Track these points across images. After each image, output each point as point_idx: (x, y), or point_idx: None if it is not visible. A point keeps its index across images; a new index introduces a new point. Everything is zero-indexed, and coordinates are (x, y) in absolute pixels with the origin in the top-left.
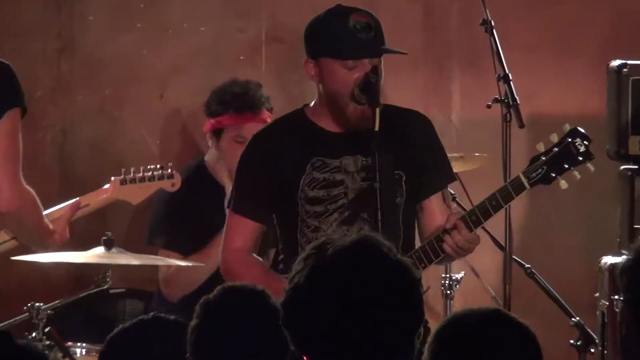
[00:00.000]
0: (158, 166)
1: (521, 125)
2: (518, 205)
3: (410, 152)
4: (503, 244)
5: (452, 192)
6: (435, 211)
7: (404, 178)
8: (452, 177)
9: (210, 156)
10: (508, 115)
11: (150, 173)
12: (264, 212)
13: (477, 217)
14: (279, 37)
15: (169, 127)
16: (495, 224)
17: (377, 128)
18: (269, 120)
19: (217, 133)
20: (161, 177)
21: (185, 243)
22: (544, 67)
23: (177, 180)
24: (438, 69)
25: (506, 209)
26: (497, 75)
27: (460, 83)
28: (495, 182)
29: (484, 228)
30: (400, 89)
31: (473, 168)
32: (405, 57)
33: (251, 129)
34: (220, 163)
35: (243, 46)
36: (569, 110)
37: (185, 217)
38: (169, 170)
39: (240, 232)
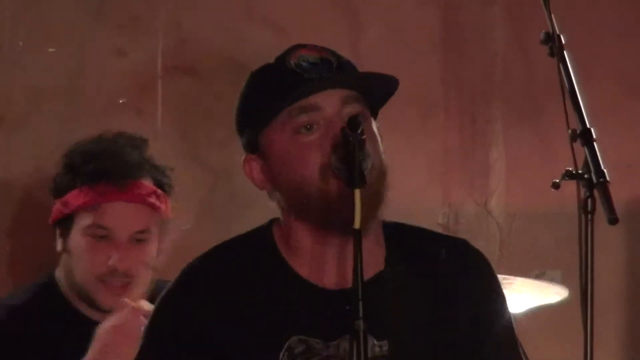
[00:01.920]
0: None
1: (613, 219)
2: None
3: (456, 331)
4: None
5: None
6: None
7: None
8: None
9: (60, 270)
10: (590, 201)
11: None
12: None
13: None
14: (186, 66)
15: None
16: None
17: (357, 225)
18: (155, 201)
19: (64, 224)
20: None
21: None
22: None
23: None
24: (469, 124)
25: None
26: (569, 132)
27: (504, 145)
28: (569, 311)
29: None
30: (404, 157)
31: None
32: (415, 106)
33: (115, 212)
34: (70, 274)
35: (124, 80)
36: None
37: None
38: None
39: None
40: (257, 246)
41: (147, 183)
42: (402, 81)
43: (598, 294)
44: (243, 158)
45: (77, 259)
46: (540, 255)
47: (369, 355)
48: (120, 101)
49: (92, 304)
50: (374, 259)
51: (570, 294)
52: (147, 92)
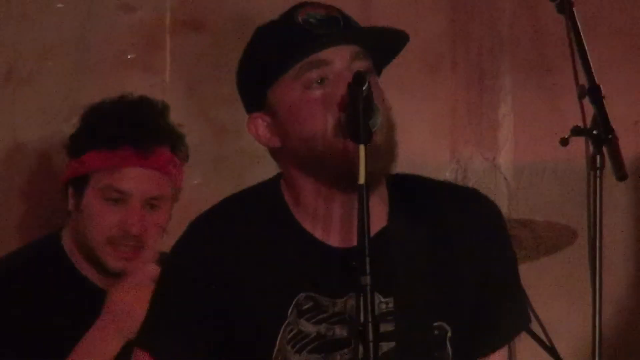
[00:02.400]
0: None
1: (621, 175)
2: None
3: (461, 282)
4: None
5: None
6: None
7: (448, 334)
8: (518, 327)
9: (67, 232)
10: (598, 157)
11: None
12: None
13: None
14: (194, 21)
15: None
16: (578, 351)
17: (362, 180)
18: (172, 170)
19: (78, 184)
20: None
21: None
22: None
23: None
24: (477, 80)
25: (595, 328)
26: (578, 88)
27: (512, 101)
28: (575, 273)
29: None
30: (411, 114)
31: (541, 250)
32: (422, 62)
33: (133, 178)
34: (79, 234)
35: (132, 36)
36: None
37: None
38: None
39: None
40: (266, 200)
41: (166, 151)
42: (410, 38)
43: (606, 249)
44: (248, 118)
45: (89, 219)
46: (549, 211)
47: (376, 312)
48: (129, 57)
49: (99, 265)
50: (377, 216)
51: (578, 250)
52: (155, 47)
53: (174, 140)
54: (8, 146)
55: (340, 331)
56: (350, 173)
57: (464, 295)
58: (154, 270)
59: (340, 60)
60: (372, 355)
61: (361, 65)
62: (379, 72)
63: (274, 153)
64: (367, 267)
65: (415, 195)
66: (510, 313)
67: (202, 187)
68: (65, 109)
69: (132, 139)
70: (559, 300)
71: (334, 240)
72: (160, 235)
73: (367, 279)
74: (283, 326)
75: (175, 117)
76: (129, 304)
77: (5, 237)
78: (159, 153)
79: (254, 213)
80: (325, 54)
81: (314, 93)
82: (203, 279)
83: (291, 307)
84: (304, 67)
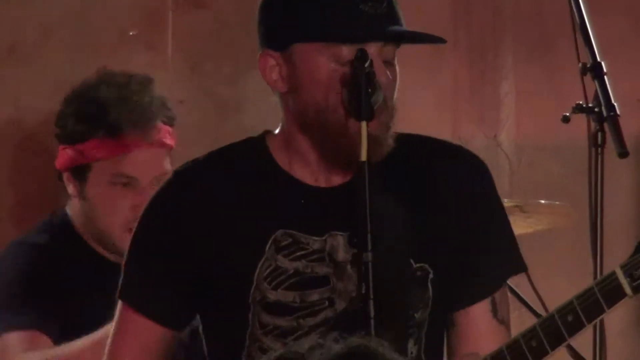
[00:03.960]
0: None
1: (623, 153)
2: None
3: (445, 226)
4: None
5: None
6: (475, 331)
7: (430, 276)
8: (514, 268)
9: (73, 208)
10: (600, 134)
11: None
12: (183, 313)
13: (538, 346)
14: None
15: (7, 151)
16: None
17: (364, 157)
18: (169, 141)
19: (79, 172)
20: None
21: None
22: None
23: None
24: (479, 58)
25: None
26: (580, 65)
27: (514, 78)
28: (576, 252)
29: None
30: (413, 92)
31: (538, 228)
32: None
33: (140, 162)
34: (91, 221)
35: (135, 13)
36: None
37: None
38: None
39: (136, 341)
40: (248, 148)
41: (161, 125)
42: (412, 15)
43: (607, 226)
44: (261, 52)
45: (98, 207)
46: (550, 188)
47: (355, 250)
48: (131, 33)
49: (115, 250)
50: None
51: (579, 226)
52: (157, 24)
53: (163, 109)
54: (11, 121)
55: (319, 269)
56: (350, 150)
57: (448, 241)
58: None
59: (373, 46)
60: (372, 332)
61: (390, 50)
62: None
63: (278, 97)
64: (369, 244)
65: (400, 143)
66: (493, 264)
67: None
68: (68, 85)
69: (134, 122)
70: (560, 277)
71: (314, 180)
72: None
73: (369, 256)
74: (260, 262)
75: (177, 94)
76: None
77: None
78: (157, 129)
79: (235, 158)
80: (368, 46)
81: (338, 68)
82: (177, 223)
83: (269, 243)
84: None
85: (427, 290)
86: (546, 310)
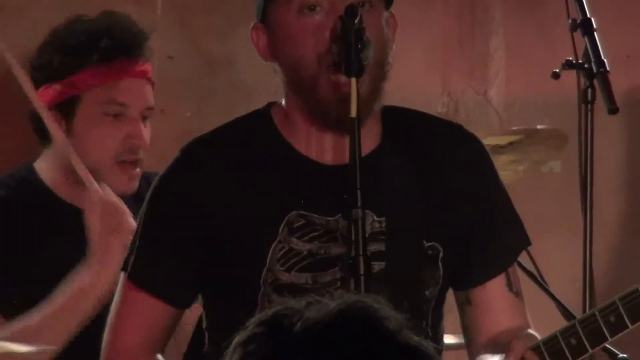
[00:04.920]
0: None
1: (613, 109)
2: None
3: (453, 207)
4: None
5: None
6: (495, 306)
7: (440, 254)
8: (523, 243)
9: (46, 161)
10: (590, 91)
11: None
12: (189, 292)
13: (578, 344)
14: None
15: None
16: (569, 284)
17: (354, 113)
18: (152, 78)
19: (67, 108)
20: None
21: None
22: None
23: None
24: (468, 12)
25: (587, 276)
26: (570, 21)
27: (504, 34)
28: (566, 208)
29: (553, 296)
30: (402, 47)
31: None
32: None
33: (131, 89)
34: (86, 162)
35: None
36: None
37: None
38: None
39: (141, 319)
40: (255, 125)
41: (145, 60)
42: None
43: (597, 183)
44: (252, 24)
45: (88, 140)
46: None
47: (368, 230)
48: None
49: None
50: (370, 136)
51: (569, 182)
52: None
53: (147, 49)
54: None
55: (333, 249)
56: (340, 105)
57: (458, 219)
58: (111, 195)
59: None
60: (362, 289)
61: None
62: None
63: (274, 69)
64: (359, 200)
65: (407, 121)
66: (506, 240)
67: (192, 119)
68: None
69: (125, 49)
70: (549, 233)
71: (326, 158)
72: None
73: (359, 212)
74: (273, 244)
75: (166, 49)
76: (109, 241)
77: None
78: (144, 62)
79: (244, 136)
80: None
81: (306, 19)
82: (188, 201)
83: (282, 225)
84: None
85: (438, 268)
86: (542, 278)
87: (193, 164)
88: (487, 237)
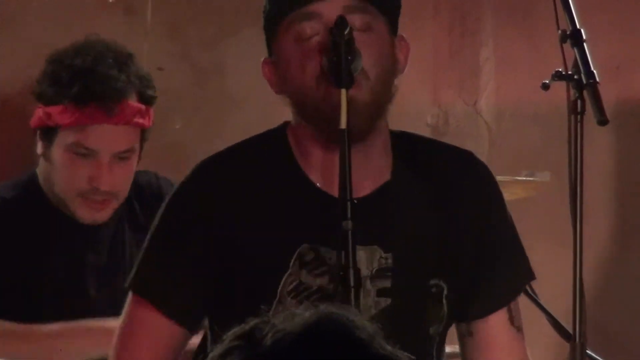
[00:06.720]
0: None
1: (602, 120)
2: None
3: (459, 243)
4: (570, 331)
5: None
6: (497, 340)
7: (445, 292)
8: (527, 277)
9: (40, 167)
10: (579, 102)
11: None
12: (199, 314)
13: None
14: None
15: None
16: (559, 296)
17: (344, 124)
18: (139, 119)
19: (47, 134)
20: None
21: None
22: None
23: None
24: (458, 23)
25: (576, 273)
26: (559, 32)
27: (494, 45)
28: (555, 220)
29: (543, 309)
30: None
31: (518, 197)
32: (404, 6)
33: (100, 135)
34: (51, 184)
35: None
36: None
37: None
38: None
39: (149, 339)
40: (272, 147)
41: (133, 102)
42: None
43: (587, 194)
44: (262, 60)
45: (58, 171)
46: (530, 156)
47: (375, 266)
48: (110, 0)
49: (72, 215)
50: (381, 170)
51: (559, 194)
52: None
53: (140, 86)
54: None
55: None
56: (334, 118)
57: (463, 255)
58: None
59: (331, 13)
60: (353, 301)
61: (355, 19)
62: (394, 25)
63: (284, 99)
64: (349, 212)
65: (417, 153)
66: (510, 274)
67: (183, 131)
68: (47, 50)
69: (98, 96)
70: (539, 244)
71: (336, 190)
72: (131, 179)
73: (349, 224)
74: (284, 277)
75: (156, 60)
76: None
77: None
78: (125, 106)
79: (260, 160)
80: (316, 6)
81: (303, 45)
82: (202, 221)
83: (294, 258)
84: (294, 18)
85: (442, 306)
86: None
87: (206, 186)
88: (491, 272)
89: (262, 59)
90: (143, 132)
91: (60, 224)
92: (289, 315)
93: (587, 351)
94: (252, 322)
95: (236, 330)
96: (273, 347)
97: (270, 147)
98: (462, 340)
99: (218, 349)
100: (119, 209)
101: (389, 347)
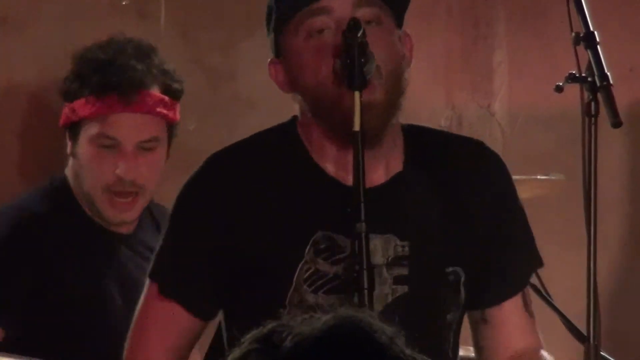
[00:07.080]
0: None
1: (616, 122)
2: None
3: (474, 231)
4: (585, 332)
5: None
6: (512, 325)
7: (462, 279)
8: (537, 263)
9: (69, 168)
10: (593, 104)
11: None
12: (215, 305)
13: None
14: None
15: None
16: (572, 298)
17: (357, 127)
18: (163, 110)
19: (73, 131)
20: None
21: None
22: None
23: None
24: (471, 26)
25: (590, 275)
26: (572, 34)
27: (507, 47)
28: (569, 222)
29: (557, 310)
30: None
31: (533, 195)
32: (417, 9)
33: (122, 124)
34: (79, 182)
35: None
36: None
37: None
38: None
39: (166, 329)
40: (283, 140)
41: (155, 92)
42: None
43: (600, 196)
44: (268, 61)
45: (84, 167)
46: (543, 158)
47: (391, 254)
48: (123, 3)
49: (99, 215)
50: (393, 161)
51: (573, 196)
52: None
53: (164, 78)
54: (3, 91)
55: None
56: (347, 120)
57: (477, 243)
58: None
59: (341, 8)
60: (367, 303)
61: (365, 12)
62: (400, 19)
63: (293, 98)
64: (362, 214)
65: (428, 144)
66: (524, 260)
67: (196, 134)
68: (60, 54)
69: (116, 85)
70: (553, 246)
71: (350, 179)
72: (157, 174)
73: (363, 226)
74: (300, 265)
75: (169, 63)
76: None
77: (4, 178)
78: (145, 96)
79: (272, 151)
80: (326, 1)
81: (315, 42)
82: (217, 213)
83: (309, 246)
84: (305, 15)
85: (460, 293)
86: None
87: (218, 178)
88: (506, 258)
89: (269, 60)
90: (170, 127)
91: (90, 230)
92: (307, 319)
93: (601, 353)
94: (270, 325)
95: (255, 332)
96: (293, 350)
97: (281, 138)
98: (476, 327)
99: (236, 352)
100: (147, 220)
101: (407, 350)
